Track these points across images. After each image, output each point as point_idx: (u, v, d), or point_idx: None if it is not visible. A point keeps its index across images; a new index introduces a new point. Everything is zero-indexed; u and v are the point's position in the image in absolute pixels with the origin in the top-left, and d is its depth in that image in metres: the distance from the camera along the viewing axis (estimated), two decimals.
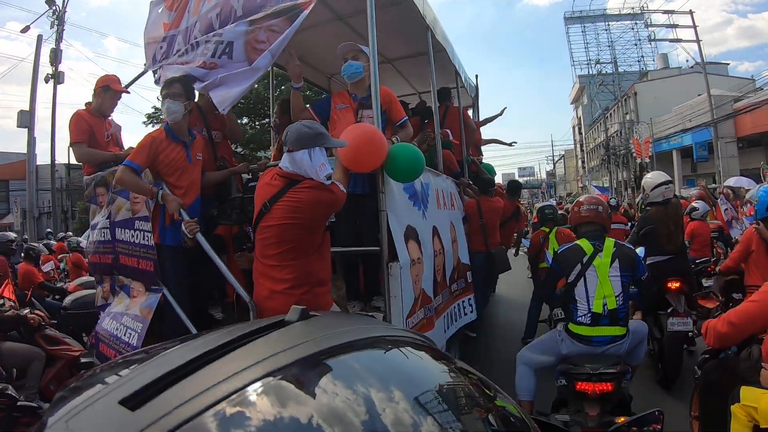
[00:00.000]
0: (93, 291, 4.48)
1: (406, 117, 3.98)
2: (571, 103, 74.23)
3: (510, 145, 8.85)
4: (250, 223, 3.59)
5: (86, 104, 4.29)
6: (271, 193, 2.64)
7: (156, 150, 3.22)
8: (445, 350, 3.68)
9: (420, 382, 1.43)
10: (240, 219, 3.74)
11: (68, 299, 4.68)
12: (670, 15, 28.82)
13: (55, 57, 19.14)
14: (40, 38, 18.86)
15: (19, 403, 3.49)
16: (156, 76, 4.26)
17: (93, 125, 4.10)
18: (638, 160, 40.05)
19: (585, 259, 3.46)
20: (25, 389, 4.14)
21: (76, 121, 4.04)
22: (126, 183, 3.20)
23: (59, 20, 19.21)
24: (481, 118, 8.37)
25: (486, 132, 8.57)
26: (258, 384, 1.05)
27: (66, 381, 4.15)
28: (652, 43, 59.98)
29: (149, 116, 23.62)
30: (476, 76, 7.89)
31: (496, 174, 8.51)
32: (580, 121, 67.26)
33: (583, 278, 3.43)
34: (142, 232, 3.40)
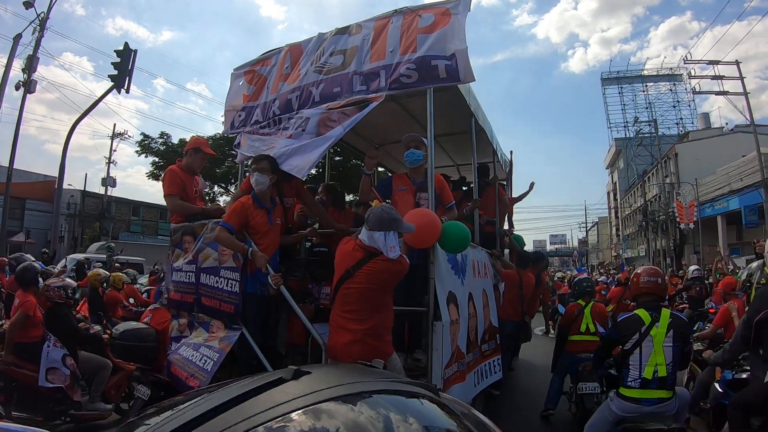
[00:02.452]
0: (138, 324, 5.47)
1: (454, 202, 5.13)
2: (606, 168, 75.28)
3: (531, 187, 9.63)
4: (314, 280, 4.61)
5: (178, 160, 5.36)
6: (353, 261, 3.56)
7: (246, 214, 4.25)
8: (470, 403, 4.54)
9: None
10: (304, 276, 4.79)
11: (118, 329, 5.54)
12: (714, 65, 27.81)
13: (30, 65, 19.79)
14: (17, 39, 19.57)
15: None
16: (236, 141, 5.53)
17: (185, 180, 5.15)
18: (681, 226, 39.30)
19: (643, 329, 3.87)
20: (92, 391, 5.44)
21: (171, 175, 5.11)
22: (222, 241, 4.21)
23: (41, 26, 19.79)
24: (514, 191, 9.31)
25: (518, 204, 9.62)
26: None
27: (123, 387, 5.51)
28: (691, 104, 61.34)
29: (140, 144, 27.32)
30: (511, 153, 8.94)
31: (524, 244, 9.49)
32: (615, 186, 67.88)
33: (639, 347, 3.85)
34: (227, 280, 4.37)
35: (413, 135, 4.98)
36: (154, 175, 27.44)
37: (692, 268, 13.16)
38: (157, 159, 27.57)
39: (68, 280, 6.09)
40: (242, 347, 4.24)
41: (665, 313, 3.96)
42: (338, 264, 3.69)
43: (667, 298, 9.41)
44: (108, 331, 6.05)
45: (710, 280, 11.97)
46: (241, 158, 5.59)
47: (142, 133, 29.37)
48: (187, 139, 25.61)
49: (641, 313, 3.97)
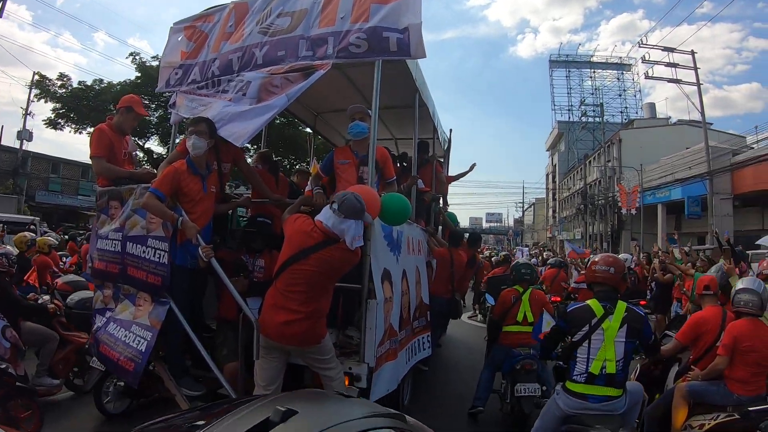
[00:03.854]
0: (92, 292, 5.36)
1: (395, 177, 5.29)
2: (547, 150, 78.66)
3: (471, 168, 10.13)
4: (249, 252, 4.68)
5: (108, 118, 5.26)
6: (310, 242, 3.68)
7: (178, 180, 4.22)
8: (397, 384, 4.93)
9: None
10: (239, 247, 4.84)
11: (73, 299, 5.53)
12: (669, 53, 28.51)
13: None
14: None
15: (17, 384, 4.51)
16: (171, 100, 5.42)
17: (114, 141, 5.05)
18: (622, 211, 40.93)
19: (594, 321, 3.77)
20: (38, 365, 5.35)
21: (99, 135, 5.00)
22: (151, 208, 4.16)
23: None
24: (450, 169, 9.76)
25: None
26: None
27: (71, 361, 5.50)
28: (637, 95, 64.94)
29: (37, 85, 25.84)
30: (450, 131, 9.33)
31: (458, 222, 9.89)
32: (555, 168, 70.63)
33: (588, 339, 3.76)
34: (154, 250, 4.32)
35: (359, 106, 5.08)
36: (51, 123, 25.72)
37: (623, 256, 13.22)
38: (57, 105, 25.71)
39: (8, 247, 5.95)
40: (170, 322, 4.26)
41: (620, 306, 3.86)
42: (290, 241, 3.76)
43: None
44: (55, 301, 5.89)
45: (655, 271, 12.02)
46: (175, 119, 5.54)
47: (37, 72, 27.39)
48: (90, 84, 24.88)
49: (593, 304, 3.89)
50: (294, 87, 4.53)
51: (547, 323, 5.09)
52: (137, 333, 4.30)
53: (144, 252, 4.39)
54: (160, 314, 4.27)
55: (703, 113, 28.01)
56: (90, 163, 5.24)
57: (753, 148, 31.07)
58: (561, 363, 4.19)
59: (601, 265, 4.04)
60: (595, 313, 3.82)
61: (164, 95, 6.05)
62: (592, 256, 12.18)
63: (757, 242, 14.68)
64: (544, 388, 5.65)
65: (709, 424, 4.30)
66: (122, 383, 5.10)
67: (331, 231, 3.70)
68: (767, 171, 28.24)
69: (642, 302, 10.85)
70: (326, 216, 3.73)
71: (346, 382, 4.16)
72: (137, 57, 24.79)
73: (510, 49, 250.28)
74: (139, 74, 24.30)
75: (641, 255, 14.77)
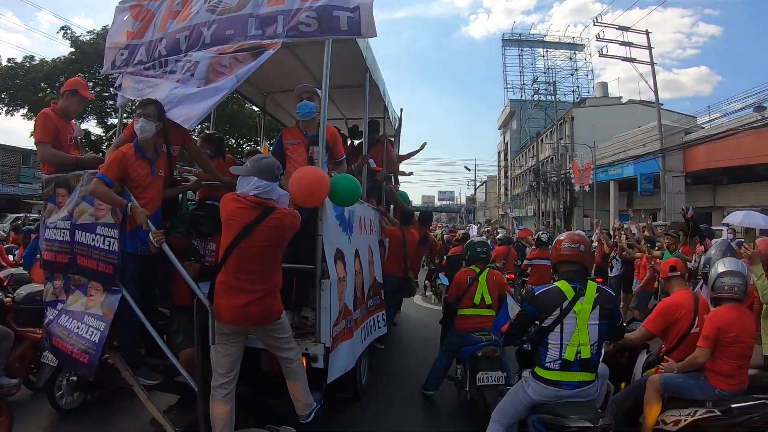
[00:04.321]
0: (41, 286, 5.25)
1: (345, 156, 5.38)
2: (499, 128, 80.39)
3: (422, 147, 10.35)
4: (199, 236, 4.72)
5: (53, 103, 5.15)
6: (251, 217, 3.71)
7: (126, 165, 4.19)
8: (353, 363, 5.09)
9: None
10: (190, 232, 4.87)
11: (20, 293, 5.35)
12: (624, 31, 29.04)
13: None
14: None
15: None
16: (117, 82, 5.32)
17: (59, 126, 4.96)
18: (576, 188, 41.97)
19: (565, 304, 3.62)
20: None
21: (44, 120, 4.88)
22: (100, 195, 4.11)
23: None
24: (402, 148, 9.96)
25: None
26: None
27: (28, 358, 5.34)
28: (589, 74, 67.46)
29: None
30: (401, 110, 9.47)
31: (409, 200, 10.10)
32: (507, 146, 72.47)
33: (560, 324, 3.60)
34: (104, 237, 4.26)
35: (306, 86, 5.12)
36: None
37: (577, 233, 13.36)
38: None
39: None
40: (123, 311, 4.23)
41: (591, 286, 3.74)
42: (229, 222, 3.77)
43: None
44: (9, 296, 5.65)
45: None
46: (122, 101, 5.41)
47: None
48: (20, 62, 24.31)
49: (563, 285, 3.73)
50: (243, 67, 4.54)
51: (512, 307, 5.19)
52: (90, 324, 4.26)
53: (93, 240, 4.33)
54: (112, 303, 4.24)
55: (656, 92, 28.55)
56: (32, 148, 5.13)
57: (704, 128, 32.20)
58: (525, 346, 4.09)
59: (569, 243, 3.88)
60: (565, 295, 3.66)
61: (110, 77, 5.93)
62: (540, 233, 12.52)
63: (725, 221, 15.27)
64: (505, 374, 5.43)
65: (685, 420, 4.06)
66: (75, 378, 5.12)
67: (264, 200, 3.78)
68: (719, 150, 29.53)
69: (598, 279, 10.79)
70: (253, 186, 3.76)
71: (303, 362, 4.25)
72: (68, 32, 23.94)
73: (463, 29, 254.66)
74: (73, 50, 23.52)
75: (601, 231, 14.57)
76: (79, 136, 5.39)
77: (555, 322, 3.63)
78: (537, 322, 3.77)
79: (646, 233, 11.34)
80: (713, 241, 9.90)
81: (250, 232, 3.70)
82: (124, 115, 6.30)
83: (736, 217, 13.90)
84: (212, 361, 3.89)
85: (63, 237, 4.59)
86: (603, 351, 4.02)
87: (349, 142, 8.33)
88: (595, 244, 13.06)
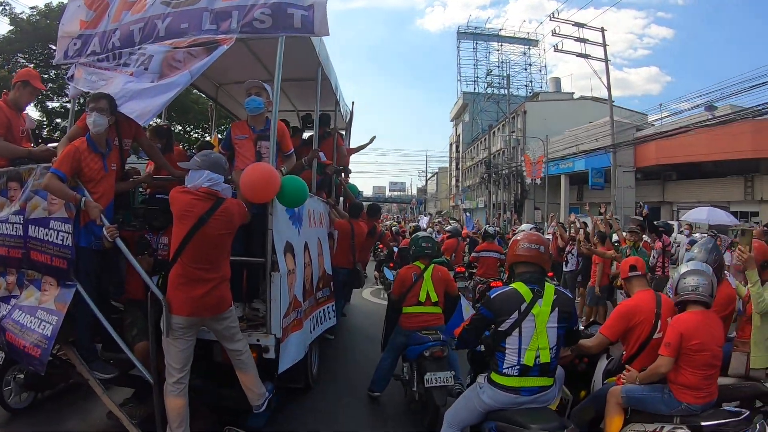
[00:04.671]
0: None
1: (293, 150, 5.53)
2: (452, 120, 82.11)
3: (371, 140, 10.57)
4: (151, 230, 4.86)
5: (3, 94, 5.15)
6: (205, 208, 3.93)
7: (79, 160, 4.25)
8: (307, 349, 5.35)
9: None
10: (142, 226, 4.99)
11: None
12: (580, 28, 29.76)
13: None
14: None
15: None
16: (69, 72, 5.33)
17: (11, 118, 4.97)
18: (527, 181, 43.04)
19: (523, 307, 3.54)
20: None
21: None
22: (53, 189, 4.16)
23: None
24: (354, 139, 10.29)
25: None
26: None
27: None
28: (543, 70, 70.00)
29: None
30: (352, 103, 9.69)
31: (359, 193, 10.38)
32: (459, 138, 73.91)
33: (518, 328, 3.53)
34: (57, 232, 4.30)
35: (255, 81, 5.26)
36: None
37: (526, 226, 13.42)
38: None
39: None
40: (78, 305, 4.32)
41: (549, 288, 3.68)
42: (183, 216, 3.94)
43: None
44: None
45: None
46: (74, 93, 5.43)
47: None
48: None
49: (520, 287, 3.64)
50: (197, 63, 4.66)
51: (466, 309, 5.24)
52: (42, 318, 4.32)
53: (47, 235, 4.37)
54: (66, 297, 4.31)
55: (609, 88, 29.14)
56: None
57: (654, 125, 33.95)
58: (478, 348, 4.08)
59: (528, 243, 3.81)
60: (523, 297, 3.58)
61: (63, 66, 5.91)
62: (486, 226, 12.80)
63: (686, 218, 15.82)
64: (453, 373, 5.43)
65: None
66: (22, 375, 5.13)
67: (216, 191, 4.04)
68: (669, 147, 30.84)
69: (549, 274, 10.81)
70: (205, 179, 4.01)
71: (255, 353, 4.46)
72: (7, 8, 23.03)
73: (418, 21, 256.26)
74: (12, 28, 22.67)
75: (558, 224, 14.61)
76: (31, 127, 5.41)
77: (513, 326, 3.54)
78: (492, 326, 3.70)
79: (602, 228, 11.02)
80: (674, 236, 10.36)
81: (205, 222, 3.91)
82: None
83: (701, 214, 14.24)
84: (167, 357, 4.02)
85: (16, 232, 4.59)
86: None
87: (303, 135, 8.53)
88: (549, 237, 13.51)
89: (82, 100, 5.89)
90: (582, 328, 4.93)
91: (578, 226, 12.20)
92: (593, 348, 4.42)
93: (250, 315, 5.03)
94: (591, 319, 8.96)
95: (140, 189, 5.61)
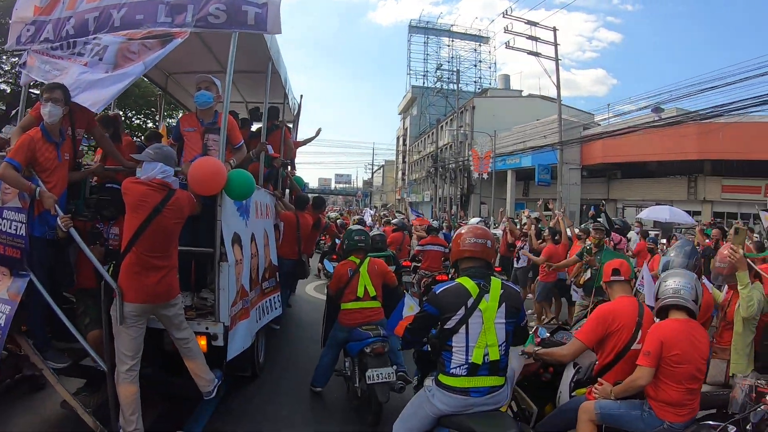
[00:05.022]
0: None
1: (242, 142, 5.81)
2: (400, 113, 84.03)
3: (317, 133, 11.06)
4: (102, 220, 5.05)
5: None
6: (158, 198, 4.20)
7: (33, 150, 4.35)
8: (254, 338, 5.63)
9: None
10: (94, 216, 5.13)
11: None
12: (532, 26, 30.55)
13: None
14: None
15: None
16: (22, 59, 5.43)
17: None
18: (474, 175, 44.08)
19: (470, 302, 3.44)
20: None
21: None
22: (8, 179, 4.23)
23: None
24: (301, 129, 10.53)
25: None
26: None
27: None
28: (492, 67, 72.16)
29: None
30: (300, 96, 9.97)
31: (305, 185, 10.59)
32: (406, 132, 75.41)
33: (465, 324, 3.42)
34: (11, 222, 4.35)
35: (205, 76, 5.52)
36: None
37: (474, 220, 13.27)
38: None
39: None
40: (31, 295, 4.37)
41: (495, 282, 3.57)
42: (138, 206, 4.18)
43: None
44: None
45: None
46: (26, 80, 5.55)
47: None
48: None
49: (465, 282, 3.53)
50: (151, 54, 4.85)
51: (410, 308, 5.03)
52: None
53: (0, 224, 4.40)
54: (20, 287, 4.36)
55: (558, 86, 30.02)
56: None
57: (600, 125, 35.44)
58: (425, 348, 3.96)
59: (474, 238, 3.70)
60: (470, 292, 3.47)
61: (6, 47, 5.94)
62: (431, 220, 13.03)
63: (643, 216, 16.79)
64: (395, 367, 5.54)
65: None
66: None
67: (168, 182, 4.37)
68: (615, 146, 31.95)
69: (497, 269, 11.19)
70: (159, 171, 4.30)
71: (204, 341, 4.73)
72: None
73: (370, 14, 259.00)
74: None
75: (506, 221, 14.58)
76: None
77: (460, 323, 3.42)
78: (438, 324, 3.57)
79: (561, 225, 10.98)
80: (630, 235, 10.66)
81: (160, 212, 4.22)
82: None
83: (662, 213, 14.55)
84: (119, 345, 4.20)
85: None
86: (521, 362, 4.16)
87: (252, 126, 8.81)
88: (498, 233, 13.72)
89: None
90: (547, 335, 4.82)
91: (530, 222, 12.17)
92: (568, 356, 4.12)
93: (199, 304, 5.26)
94: (551, 321, 9.60)
95: (89, 179, 5.71)
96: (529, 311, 10.75)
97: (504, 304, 3.50)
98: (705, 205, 31.56)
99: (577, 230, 10.89)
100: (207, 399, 4.73)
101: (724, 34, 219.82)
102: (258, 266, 6.17)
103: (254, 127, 8.95)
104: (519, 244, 11.96)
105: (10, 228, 4.37)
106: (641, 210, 31.10)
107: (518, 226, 14.11)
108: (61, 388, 4.42)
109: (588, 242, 8.98)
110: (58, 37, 5.33)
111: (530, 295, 11.85)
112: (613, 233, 10.81)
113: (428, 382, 3.85)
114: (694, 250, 4.73)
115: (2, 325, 4.24)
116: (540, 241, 10.78)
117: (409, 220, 16.66)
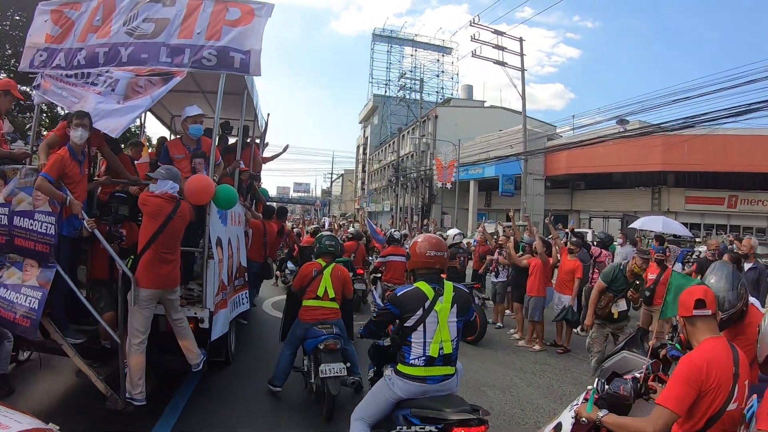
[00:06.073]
0: None
1: (221, 159, 7.29)
2: (360, 122, 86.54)
3: (284, 149, 12.60)
4: (120, 223, 6.46)
5: None
6: (170, 207, 5.64)
7: (63, 166, 5.60)
8: (228, 328, 7.03)
9: None
10: (114, 220, 6.48)
11: None
12: (499, 36, 32.14)
13: None
14: None
15: None
16: (36, 81, 6.62)
17: None
18: (438, 185, 45.18)
19: (427, 304, 4.12)
20: None
21: None
22: (44, 190, 5.40)
23: None
24: (265, 151, 11.97)
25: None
26: None
27: None
28: (455, 77, 74.68)
29: None
30: (268, 115, 11.58)
31: (269, 196, 12.50)
32: (366, 141, 77.65)
33: (423, 323, 4.10)
34: (41, 223, 5.46)
35: (201, 114, 7.12)
36: None
37: (452, 232, 12.99)
38: None
39: None
40: (54, 283, 5.44)
41: (448, 286, 4.27)
42: (155, 214, 5.54)
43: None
44: None
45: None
46: (39, 100, 6.86)
47: None
48: None
49: (423, 286, 4.21)
50: (156, 90, 6.18)
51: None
52: (28, 294, 5.38)
53: (32, 225, 5.49)
54: (48, 276, 5.43)
55: (524, 96, 31.44)
56: None
57: (562, 136, 36.74)
58: (381, 342, 4.80)
59: (435, 251, 4.35)
60: (426, 295, 4.15)
61: (18, 69, 7.21)
62: (391, 231, 13.45)
63: (631, 225, 16.95)
64: (349, 365, 6.48)
65: None
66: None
67: (174, 194, 5.74)
68: (580, 156, 33.96)
69: (476, 285, 12.01)
70: (168, 187, 5.67)
71: (192, 324, 6.10)
72: None
73: (333, 23, 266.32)
74: None
75: (481, 231, 15.11)
76: (9, 131, 6.67)
77: (418, 322, 4.09)
78: (398, 321, 4.30)
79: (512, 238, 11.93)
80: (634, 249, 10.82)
81: (171, 218, 5.63)
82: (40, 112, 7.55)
83: (655, 224, 14.58)
84: (133, 322, 5.51)
85: (0, 221, 5.62)
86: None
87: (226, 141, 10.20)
88: (472, 242, 14.44)
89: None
90: (598, 396, 3.99)
91: (507, 234, 12.83)
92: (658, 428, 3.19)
93: (187, 294, 6.62)
94: (561, 348, 10.10)
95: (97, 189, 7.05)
96: (511, 330, 11.65)
97: (455, 305, 4.22)
98: (669, 215, 31.31)
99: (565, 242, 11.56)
100: (194, 371, 6.12)
101: (683, 49, 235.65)
102: (232, 266, 7.58)
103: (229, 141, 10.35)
104: (496, 257, 12.51)
105: (41, 228, 5.48)
106: (608, 221, 33.03)
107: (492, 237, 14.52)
108: (79, 359, 5.50)
109: (630, 264, 7.95)
110: (69, 65, 6.59)
111: (509, 311, 12.84)
112: (593, 247, 11.83)
113: (387, 371, 4.35)
114: (736, 275, 3.95)
115: (36, 307, 5.31)
116: (520, 254, 11.26)
117: (369, 232, 16.38)
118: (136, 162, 8.31)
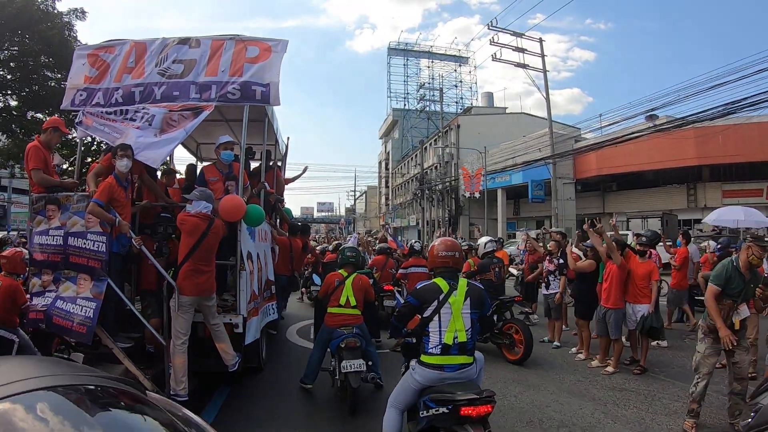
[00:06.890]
0: None
1: (249, 182, 8.36)
2: (380, 138, 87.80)
3: (304, 171, 13.37)
4: (167, 240, 7.50)
5: (36, 137, 7.34)
6: (205, 225, 6.61)
7: (112, 192, 6.58)
8: (258, 336, 7.97)
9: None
10: (163, 237, 7.56)
11: None
12: (518, 38, 32.12)
13: None
14: None
15: None
16: (78, 118, 7.76)
17: (46, 156, 7.17)
18: (465, 194, 45.23)
19: (441, 297, 4.68)
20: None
21: (36, 151, 7.02)
22: (96, 214, 6.37)
23: None
24: (287, 170, 13.10)
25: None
26: None
27: None
28: (473, 87, 75.24)
29: None
30: (287, 138, 12.59)
31: (293, 216, 13.68)
32: (388, 156, 78.62)
33: (438, 314, 4.64)
34: (93, 242, 6.42)
35: (232, 141, 8.21)
36: None
37: (484, 240, 11.80)
38: None
39: None
40: (106, 295, 6.32)
41: (462, 282, 4.83)
42: (192, 231, 6.54)
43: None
44: None
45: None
46: (81, 134, 8.11)
47: None
48: None
49: (439, 281, 4.80)
50: (188, 123, 7.24)
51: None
52: (83, 304, 6.23)
53: (85, 243, 6.41)
54: (101, 288, 6.29)
55: (548, 97, 31.57)
56: None
57: (587, 138, 36.45)
58: (409, 340, 5.24)
59: (446, 251, 4.97)
60: (441, 289, 4.72)
61: (61, 107, 8.32)
62: (413, 242, 13.53)
63: (705, 220, 17.26)
64: (370, 363, 7.28)
65: None
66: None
67: (209, 214, 6.71)
68: (610, 157, 33.77)
69: (517, 298, 10.80)
70: (202, 207, 6.63)
71: (228, 330, 7.02)
72: None
73: (347, 42, 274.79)
74: None
75: (526, 240, 14.95)
76: (59, 164, 7.71)
77: (434, 312, 4.63)
78: (419, 315, 4.76)
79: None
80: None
81: (206, 235, 6.62)
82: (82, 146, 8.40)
83: (736, 214, 14.66)
84: (176, 326, 6.44)
85: (56, 242, 6.58)
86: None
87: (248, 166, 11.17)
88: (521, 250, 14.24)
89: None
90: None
91: (555, 239, 11.96)
92: None
93: (222, 303, 7.52)
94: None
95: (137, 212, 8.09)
96: (573, 350, 10.47)
97: (469, 298, 4.74)
98: (706, 212, 29.40)
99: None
100: (230, 371, 6.97)
101: (695, 47, 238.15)
102: (261, 278, 8.56)
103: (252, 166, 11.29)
104: (548, 266, 11.56)
105: (93, 246, 6.43)
106: (646, 222, 32.37)
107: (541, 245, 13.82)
108: (128, 361, 6.34)
109: (743, 256, 6.65)
110: (108, 103, 7.71)
111: (566, 327, 12.15)
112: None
113: (412, 363, 4.91)
114: None
115: (91, 316, 6.17)
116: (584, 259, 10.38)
117: (397, 247, 16.57)
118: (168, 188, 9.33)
